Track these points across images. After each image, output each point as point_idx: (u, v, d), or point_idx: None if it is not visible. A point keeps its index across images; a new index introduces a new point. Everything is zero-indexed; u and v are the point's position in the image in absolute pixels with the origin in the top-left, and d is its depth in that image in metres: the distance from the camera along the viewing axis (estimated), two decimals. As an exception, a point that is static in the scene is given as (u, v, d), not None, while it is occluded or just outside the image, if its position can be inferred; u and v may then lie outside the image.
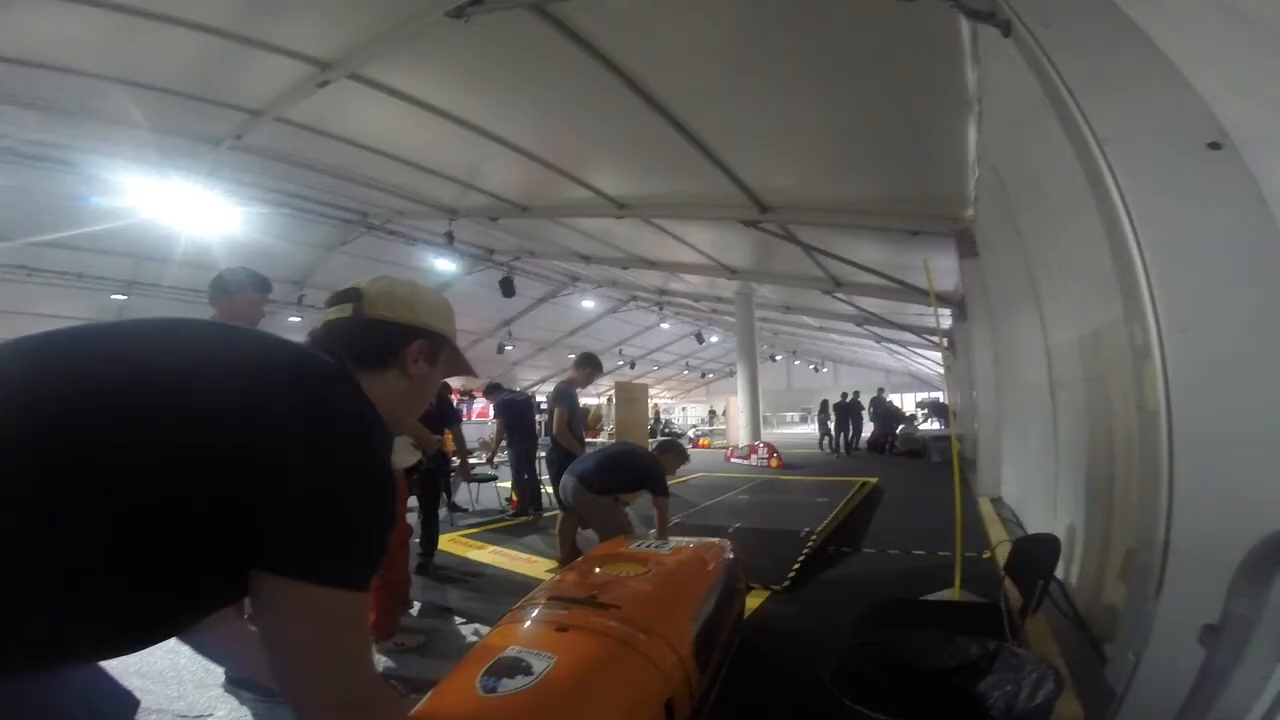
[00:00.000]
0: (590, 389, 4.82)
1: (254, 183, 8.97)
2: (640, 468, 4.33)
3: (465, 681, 1.55)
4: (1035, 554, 2.45)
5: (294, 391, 0.81)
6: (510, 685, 1.52)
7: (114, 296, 13.84)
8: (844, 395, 15.85)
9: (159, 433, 0.71)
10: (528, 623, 1.93)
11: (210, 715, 2.35)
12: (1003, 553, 4.43)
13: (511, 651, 1.66)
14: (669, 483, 4.39)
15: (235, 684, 2.49)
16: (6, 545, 0.64)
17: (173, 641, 2.47)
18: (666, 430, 22.17)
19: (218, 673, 2.55)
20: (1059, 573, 3.11)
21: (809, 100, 5.07)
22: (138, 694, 2.39)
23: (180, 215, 8.83)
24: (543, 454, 6.07)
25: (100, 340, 0.82)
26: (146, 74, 5.19)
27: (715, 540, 3.19)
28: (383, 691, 0.87)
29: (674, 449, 4.72)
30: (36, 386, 0.72)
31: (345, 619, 0.78)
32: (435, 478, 4.78)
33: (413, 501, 4.34)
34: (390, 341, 1.03)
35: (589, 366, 5.02)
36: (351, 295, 1.05)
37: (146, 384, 0.75)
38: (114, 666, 2.67)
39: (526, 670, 1.58)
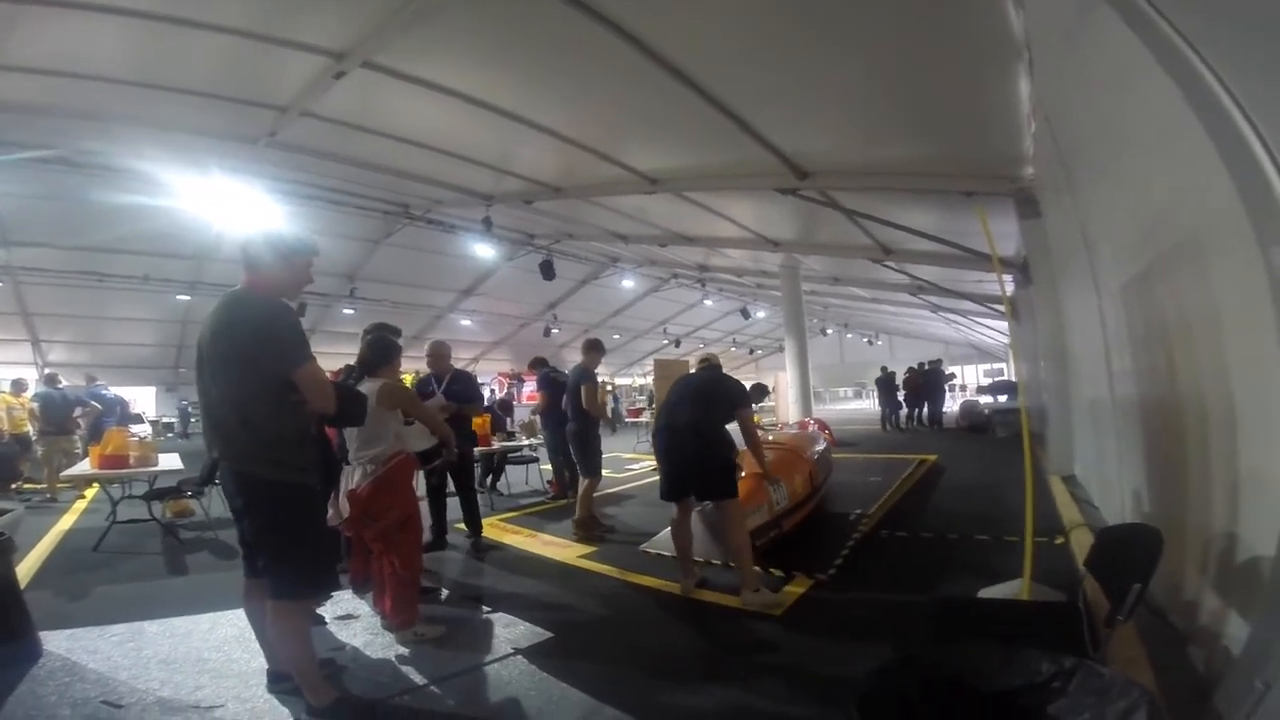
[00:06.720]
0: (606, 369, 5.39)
1: (296, 179, 9.16)
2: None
3: None
4: (1127, 549, 2.04)
5: (730, 384, 4.03)
6: None
7: (179, 297, 14.58)
8: (882, 369, 15.71)
9: (718, 399, 3.85)
10: None
11: (221, 706, 2.38)
12: (1079, 539, 4.07)
13: None
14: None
15: (276, 679, 2.50)
16: (695, 413, 3.74)
17: (207, 627, 2.57)
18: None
19: (239, 664, 2.62)
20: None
21: (838, 57, 4.71)
22: (158, 684, 2.46)
23: (228, 214, 9.12)
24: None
25: (694, 378, 4.10)
26: (178, 78, 5.31)
27: (824, 427, 9.97)
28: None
29: (593, 347, 5.78)
30: (687, 386, 3.97)
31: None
32: (464, 460, 4.80)
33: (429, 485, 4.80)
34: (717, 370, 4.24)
35: (596, 351, 5.82)
36: (710, 358, 4.31)
37: (703, 388, 3.92)
38: (138, 655, 2.69)
39: None
